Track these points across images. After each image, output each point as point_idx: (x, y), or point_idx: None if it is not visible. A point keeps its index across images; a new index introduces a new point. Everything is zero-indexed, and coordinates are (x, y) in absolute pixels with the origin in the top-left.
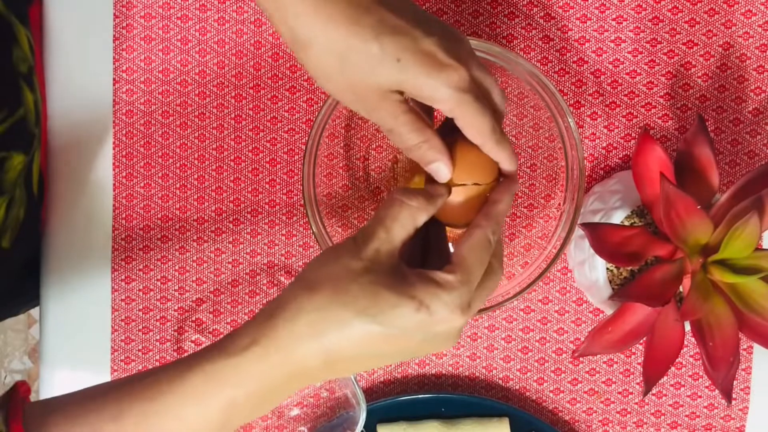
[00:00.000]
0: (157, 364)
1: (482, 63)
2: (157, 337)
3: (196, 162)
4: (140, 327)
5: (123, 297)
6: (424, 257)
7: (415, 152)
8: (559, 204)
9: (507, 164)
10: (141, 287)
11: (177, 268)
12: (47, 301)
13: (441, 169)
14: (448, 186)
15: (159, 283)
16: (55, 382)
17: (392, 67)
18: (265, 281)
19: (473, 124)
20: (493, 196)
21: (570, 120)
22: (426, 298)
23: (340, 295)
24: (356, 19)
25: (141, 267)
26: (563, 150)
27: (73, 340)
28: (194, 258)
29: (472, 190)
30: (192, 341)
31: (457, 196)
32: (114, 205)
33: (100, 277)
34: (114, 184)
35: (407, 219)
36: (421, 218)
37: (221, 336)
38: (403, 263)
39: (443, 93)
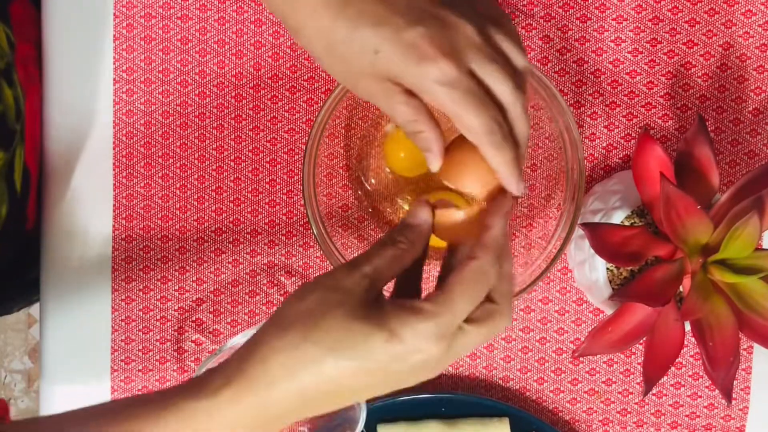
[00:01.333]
0: (157, 364)
1: (494, 54)
2: (157, 337)
3: (196, 162)
4: (140, 327)
5: (123, 297)
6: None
7: (408, 129)
8: (559, 204)
9: (504, 174)
10: (141, 287)
11: (177, 268)
12: (47, 301)
13: (429, 158)
14: (431, 219)
15: (159, 283)
16: (56, 382)
17: (372, 60)
18: (265, 281)
19: (461, 122)
20: (486, 220)
21: (570, 120)
22: (397, 327)
23: (312, 331)
24: (337, 11)
25: (141, 267)
26: (563, 150)
27: (73, 340)
28: (194, 258)
29: (473, 209)
30: (192, 341)
31: (453, 215)
32: (114, 205)
33: (100, 277)
34: (114, 184)
35: (392, 261)
36: (407, 259)
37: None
38: (383, 296)
39: (427, 86)
